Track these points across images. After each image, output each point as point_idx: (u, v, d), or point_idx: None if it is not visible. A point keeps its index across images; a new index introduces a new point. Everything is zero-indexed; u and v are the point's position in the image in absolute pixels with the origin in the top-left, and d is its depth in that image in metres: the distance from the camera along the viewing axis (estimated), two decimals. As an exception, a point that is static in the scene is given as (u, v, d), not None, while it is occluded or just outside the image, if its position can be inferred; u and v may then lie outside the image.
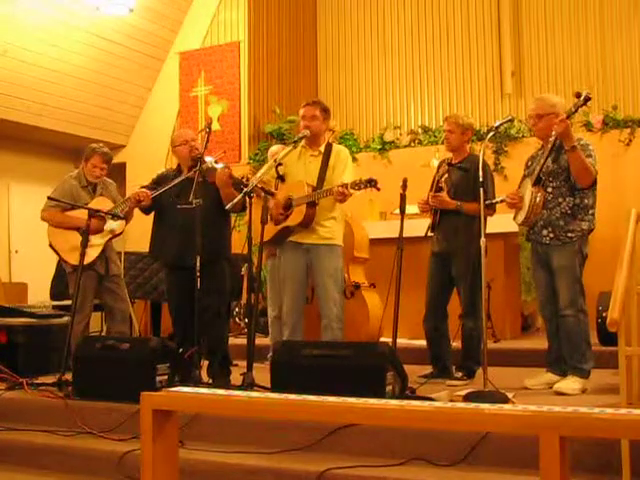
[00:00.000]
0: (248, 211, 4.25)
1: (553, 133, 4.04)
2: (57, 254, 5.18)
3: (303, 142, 4.65)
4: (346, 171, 4.58)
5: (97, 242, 5.03)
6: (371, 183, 4.18)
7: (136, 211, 5.12)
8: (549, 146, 4.13)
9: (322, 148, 4.66)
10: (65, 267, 5.17)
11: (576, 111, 4.10)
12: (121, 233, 5.23)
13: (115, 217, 5.02)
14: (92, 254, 4.98)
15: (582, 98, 4.04)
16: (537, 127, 4.28)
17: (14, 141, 8.82)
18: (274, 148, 5.80)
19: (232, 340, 5.10)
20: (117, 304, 5.24)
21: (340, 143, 7.87)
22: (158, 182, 4.86)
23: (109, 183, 5.36)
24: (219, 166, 4.67)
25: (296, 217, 4.52)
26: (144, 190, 4.76)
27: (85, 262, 4.82)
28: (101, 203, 5.10)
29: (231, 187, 4.53)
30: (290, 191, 4.57)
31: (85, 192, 5.18)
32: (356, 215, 5.96)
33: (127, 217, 5.16)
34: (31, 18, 7.72)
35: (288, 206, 4.55)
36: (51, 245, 5.14)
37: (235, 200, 4.28)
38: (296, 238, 4.57)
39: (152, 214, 4.88)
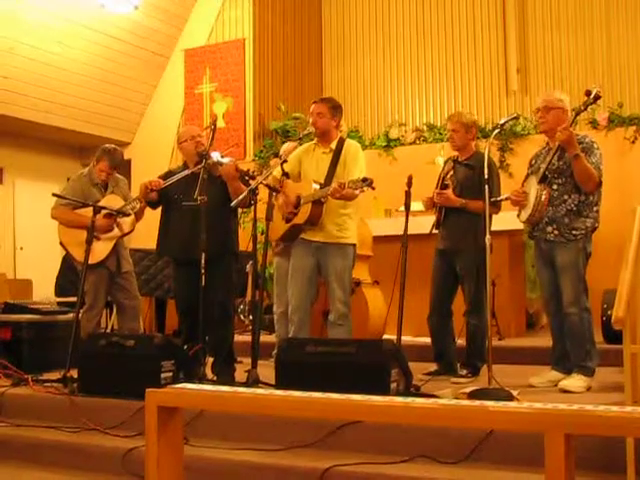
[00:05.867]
0: (253, 208, 4.25)
1: (558, 134, 4.01)
2: (67, 252, 5.19)
3: (315, 140, 4.67)
4: (356, 167, 4.55)
5: (108, 239, 5.05)
6: (365, 182, 4.17)
7: (146, 209, 5.14)
8: (557, 143, 4.08)
9: (333, 145, 4.65)
10: (76, 265, 5.16)
11: (586, 109, 4.09)
12: (132, 231, 5.25)
13: (123, 215, 5.03)
14: (103, 252, 5.01)
15: (592, 96, 4.02)
16: (545, 119, 4.20)
17: (19, 138, 8.84)
18: (286, 146, 5.77)
19: (236, 337, 5.09)
20: (128, 301, 5.25)
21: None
22: (165, 178, 4.86)
23: (120, 180, 5.37)
24: (225, 160, 4.66)
25: (302, 216, 4.53)
26: (157, 179, 4.71)
27: (96, 260, 4.87)
28: (112, 201, 5.11)
29: (238, 180, 4.53)
30: (300, 189, 4.58)
31: (96, 190, 5.19)
32: (360, 212, 5.94)
33: (137, 215, 5.16)
34: (37, 16, 7.74)
35: (298, 204, 4.57)
36: (62, 243, 5.16)
37: (240, 197, 4.28)
38: (307, 235, 4.58)
39: (158, 212, 4.88)
